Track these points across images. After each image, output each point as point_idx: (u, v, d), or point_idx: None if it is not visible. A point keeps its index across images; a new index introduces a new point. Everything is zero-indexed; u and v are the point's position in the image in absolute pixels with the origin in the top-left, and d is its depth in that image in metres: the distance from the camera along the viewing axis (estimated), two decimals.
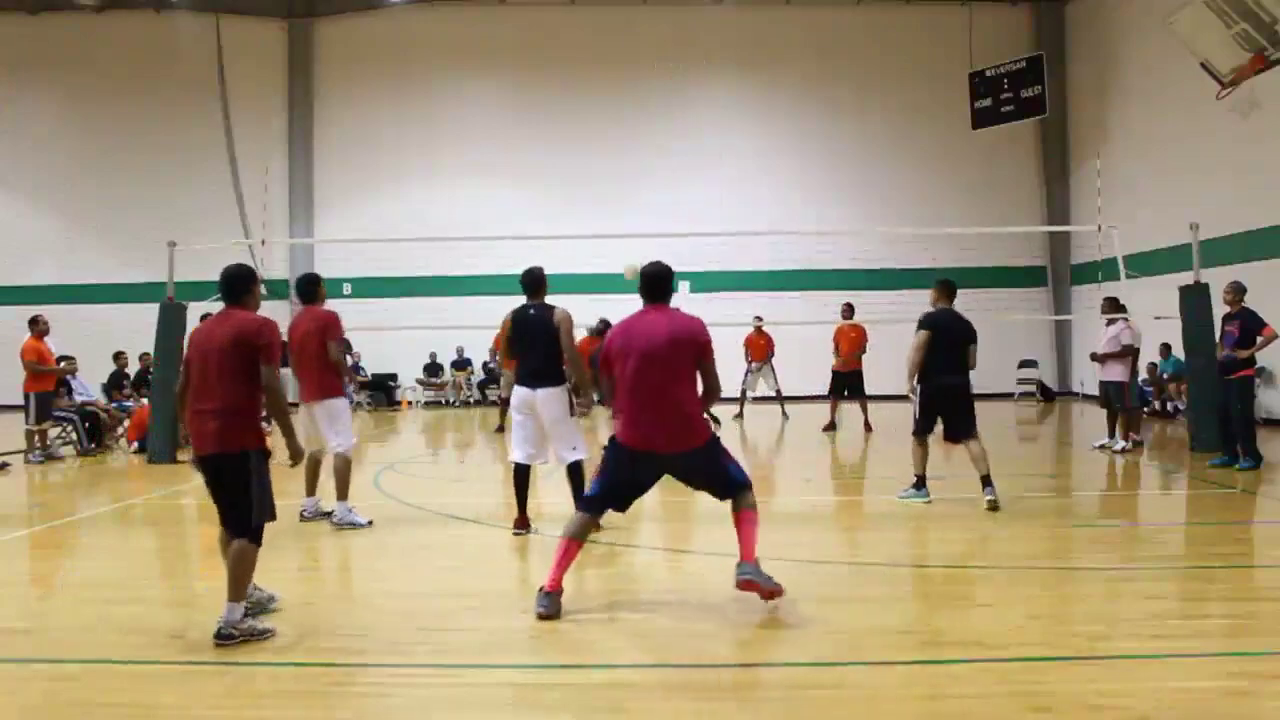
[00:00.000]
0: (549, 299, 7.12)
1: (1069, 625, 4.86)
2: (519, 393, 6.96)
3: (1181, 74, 16.18)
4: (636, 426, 5.13)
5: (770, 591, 5.07)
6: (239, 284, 4.95)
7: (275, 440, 5.13)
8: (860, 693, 4.06)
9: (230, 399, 4.71)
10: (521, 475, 7.13)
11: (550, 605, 5.02)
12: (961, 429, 8.09)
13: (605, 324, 10.66)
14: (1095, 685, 4.03)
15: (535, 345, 6.91)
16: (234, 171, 21.95)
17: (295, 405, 6.99)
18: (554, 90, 22.36)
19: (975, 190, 21.59)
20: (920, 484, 8.25)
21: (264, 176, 20.03)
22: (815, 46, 22.11)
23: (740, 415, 16.93)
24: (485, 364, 21.19)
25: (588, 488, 5.51)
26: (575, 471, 6.96)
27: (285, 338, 6.61)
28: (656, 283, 5.33)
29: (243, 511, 4.72)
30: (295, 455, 5.10)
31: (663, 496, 7.35)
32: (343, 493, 7.54)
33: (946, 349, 7.97)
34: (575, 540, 5.22)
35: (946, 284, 8.37)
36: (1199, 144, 16.43)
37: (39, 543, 7.60)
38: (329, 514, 7.63)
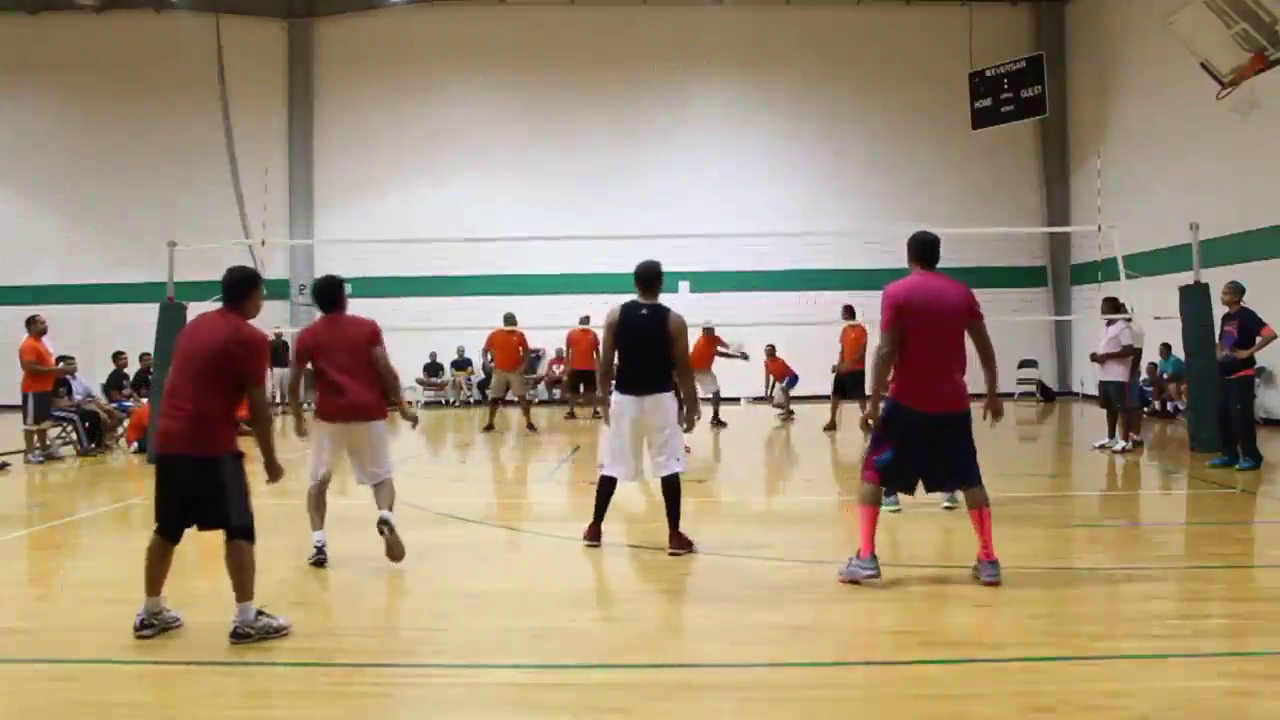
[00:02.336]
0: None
1: (1069, 625, 4.85)
2: (623, 400, 6.42)
3: (1182, 74, 16.17)
4: (931, 387, 5.43)
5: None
6: (241, 288, 4.90)
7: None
8: (860, 693, 4.06)
9: (204, 406, 4.64)
10: (609, 488, 6.59)
11: (874, 566, 5.44)
12: None
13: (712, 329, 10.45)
14: (1095, 685, 4.03)
15: (646, 349, 6.40)
16: (234, 171, 21.95)
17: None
18: (554, 90, 22.36)
19: (975, 190, 21.58)
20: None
21: (264, 176, 20.00)
22: (815, 46, 22.09)
23: (789, 415, 16.84)
24: (485, 364, 21.18)
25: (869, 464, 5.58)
26: (674, 487, 6.49)
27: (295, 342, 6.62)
28: (933, 249, 5.67)
29: (221, 515, 4.67)
30: (273, 474, 4.94)
31: (659, 498, 7.34)
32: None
33: None
34: (873, 506, 5.54)
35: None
36: (1199, 144, 16.43)
37: (39, 543, 7.60)
38: None
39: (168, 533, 4.76)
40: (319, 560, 6.27)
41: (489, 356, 16.19)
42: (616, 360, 6.58)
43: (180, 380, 4.72)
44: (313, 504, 6.44)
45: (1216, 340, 10.62)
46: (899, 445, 5.49)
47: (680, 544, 6.49)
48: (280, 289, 21.47)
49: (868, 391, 12.74)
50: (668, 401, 6.47)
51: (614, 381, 6.63)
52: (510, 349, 15.47)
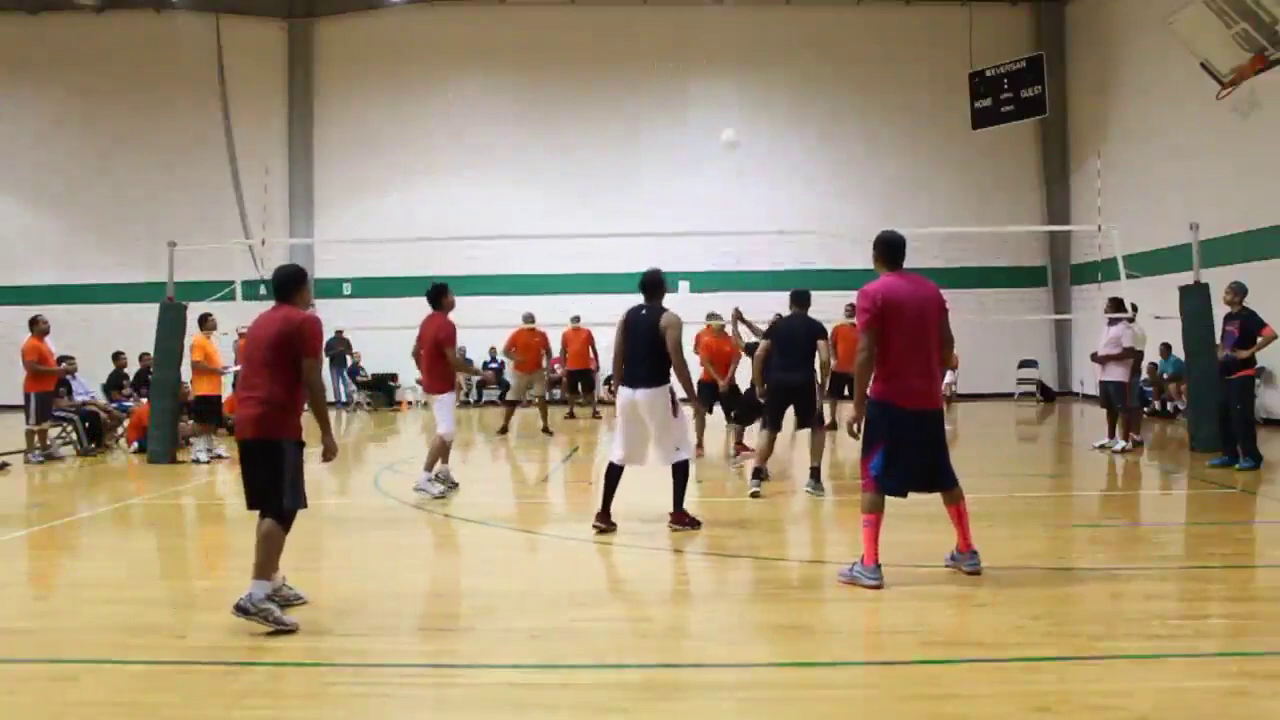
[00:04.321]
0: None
1: (1069, 625, 4.85)
2: (621, 393, 7.07)
3: (1182, 74, 16.18)
4: (913, 384, 5.51)
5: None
6: (289, 284, 5.19)
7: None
8: (860, 693, 4.06)
9: (271, 390, 4.93)
10: (614, 474, 7.11)
11: (877, 575, 5.44)
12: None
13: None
14: (1095, 685, 4.03)
15: (639, 346, 7.00)
16: (234, 171, 21.95)
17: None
18: (554, 90, 22.36)
19: (975, 190, 21.59)
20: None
21: (264, 176, 20.03)
22: (815, 46, 22.10)
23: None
24: (486, 364, 21.18)
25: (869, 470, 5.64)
26: (679, 471, 7.05)
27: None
28: (901, 250, 5.74)
29: (273, 496, 4.90)
30: (328, 450, 5.26)
31: (659, 497, 7.35)
32: (429, 464, 8.93)
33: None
34: (877, 513, 5.56)
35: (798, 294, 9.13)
36: (1199, 144, 16.43)
37: (39, 543, 7.60)
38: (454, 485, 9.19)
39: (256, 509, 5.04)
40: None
41: (511, 356, 15.84)
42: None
43: (248, 372, 5.09)
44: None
45: (1218, 340, 10.62)
46: (888, 445, 5.51)
47: (679, 520, 7.08)
48: None
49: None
50: (657, 395, 6.90)
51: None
52: (534, 350, 15.19)
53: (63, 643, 4.78)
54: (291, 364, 4.95)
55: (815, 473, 8.78)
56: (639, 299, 7.22)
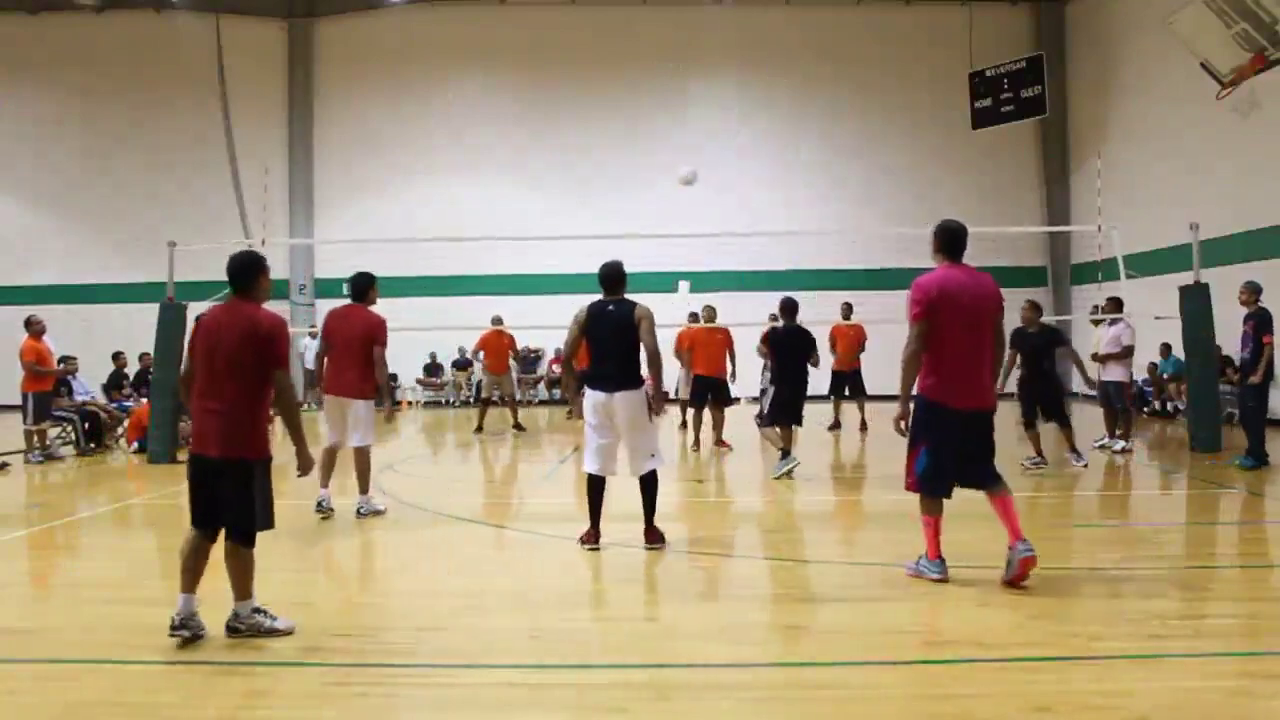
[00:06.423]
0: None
1: (1069, 625, 4.85)
2: (593, 397, 6.49)
3: (1182, 74, 16.18)
4: (964, 383, 5.35)
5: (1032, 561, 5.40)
6: (246, 273, 4.78)
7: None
8: (860, 693, 4.06)
9: (237, 401, 4.60)
10: (597, 487, 6.62)
11: (939, 569, 5.54)
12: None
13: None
14: (1095, 685, 4.03)
15: (612, 345, 6.45)
16: (234, 171, 21.96)
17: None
18: (554, 90, 22.38)
19: (975, 190, 21.58)
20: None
21: (264, 176, 20.04)
22: (815, 46, 22.11)
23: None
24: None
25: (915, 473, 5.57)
26: (649, 482, 6.56)
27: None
28: (961, 240, 5.61)
29: (245, 518, 4.65)
30: (304, 466, 4.91)
31: (659, 497, 7.35)
32: (364, 487, 8.08)
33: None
34: (934, 515, 5.57)
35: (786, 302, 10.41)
36: (1199, 143, 16.44)
37: (39, 543, 7.60)
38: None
39: (203, 525, 4.68)
40: (322, 514, 7.79)
41: (479, 357, 16.17)
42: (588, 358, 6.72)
43: (208, 377, 4.66)
44: (323, 463, 7.79)
45: (1237, 340, 10.51)
46: (933, 445, 5.41)
47: (653, 538, 6.62)
48: (280, 289, 21.47)
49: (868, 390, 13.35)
50: (637, 398, 6.48)
51: (586, 378, 6.70)
52: (501, 351, 15.48)
53: (63, 643, 4.77)
54: (257, 372, 4.61)
55: (785, 453, 9.95)
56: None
